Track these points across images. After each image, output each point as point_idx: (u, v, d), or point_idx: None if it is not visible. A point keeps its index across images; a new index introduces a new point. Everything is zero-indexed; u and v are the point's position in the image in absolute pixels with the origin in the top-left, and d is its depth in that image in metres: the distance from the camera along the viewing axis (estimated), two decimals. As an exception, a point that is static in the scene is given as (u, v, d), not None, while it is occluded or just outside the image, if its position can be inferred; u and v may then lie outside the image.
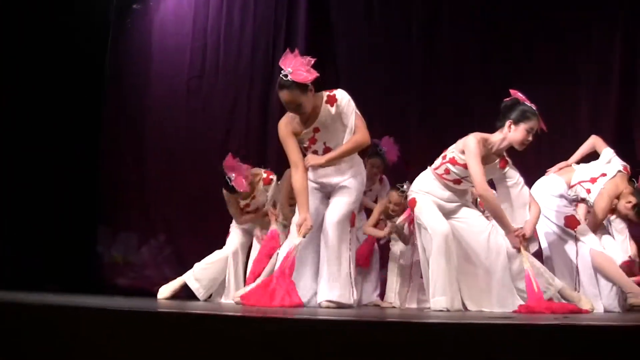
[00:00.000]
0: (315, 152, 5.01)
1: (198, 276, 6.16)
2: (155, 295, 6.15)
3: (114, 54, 8.21)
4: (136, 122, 8.19)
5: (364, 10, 8.08)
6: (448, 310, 4.63)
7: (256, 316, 3.22)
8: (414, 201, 4.99)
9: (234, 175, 6.04)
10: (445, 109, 7.50)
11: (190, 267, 6.26)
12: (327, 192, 5.10)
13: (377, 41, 8.00)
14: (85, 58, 7.73)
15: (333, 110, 4.89)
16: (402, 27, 8.05)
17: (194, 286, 6.14)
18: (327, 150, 4.98)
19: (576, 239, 5.24)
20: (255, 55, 8.18)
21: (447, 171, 4.94)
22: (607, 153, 5.57)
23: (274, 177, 6.24)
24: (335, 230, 4.91)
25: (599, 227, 5.47)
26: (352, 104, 4.91)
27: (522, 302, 4.79)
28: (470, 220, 4.98)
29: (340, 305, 4.83)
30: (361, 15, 8.10)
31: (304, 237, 4.78)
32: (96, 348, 3.03)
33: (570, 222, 5.28)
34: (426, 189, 4.98)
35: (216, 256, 6.24)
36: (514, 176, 4.99)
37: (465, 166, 4.85)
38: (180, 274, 6.27)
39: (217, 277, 6.20)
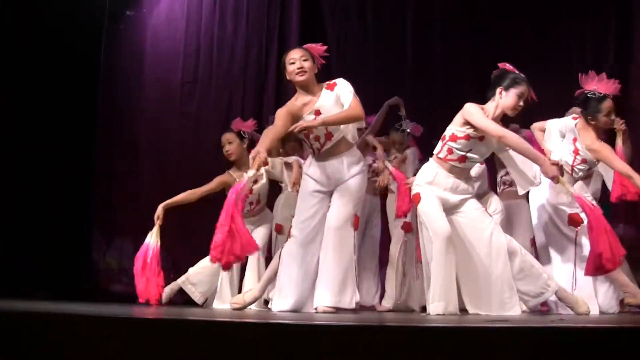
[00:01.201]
0: (317, 137, 5.01)
1: (193, 280, 6.14)
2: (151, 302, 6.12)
3: (108, 59, 8.20)
4: (130, 126, 8.18)
5: (357, 15, 8.11)
6: (444, 315, 4.64)
7: (253, 322, 3.22)
8: (418, 196, 4.92)
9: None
10: (438, 109, 7.49)
11: (185, 272, 6.23)
12: (328, 192, 5.08)
13: (370, 45, 8.03)
14: (79, 63, 7.71)
15: (333, 94, 4.98)
16: (395, 31, 8.09)
17: (190, 290, 6.12)
18: (329, 135, 4.99)
19: (576, 238, 5.22)
20: (249, 60, 8.19)
21: (450, 150, 4.90)
22: (553, 125, 5.54)
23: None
24: (335, 235, 4.90)
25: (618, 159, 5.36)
26: (351, 87, 4.98)
27: (522, 306, 4.80)
28: (474, 215, 4.95)
29: (338, 310, 4.82)
30: (354, 20, 8.14)
31: (257, 170, 4.59)
32: (90, 356, 3.02)
33: (574, 221, 5.26)
34: (429, 179, 4.92)
35: (210, 261, 6.18)
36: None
37: (467, 138, 4.83)
38: (175, 280, 6.24)
39: (213, 281, 6.17)
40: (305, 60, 5.01)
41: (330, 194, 5.06)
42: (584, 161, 5.35)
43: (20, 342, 3.16)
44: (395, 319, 4.53)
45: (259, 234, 6.23)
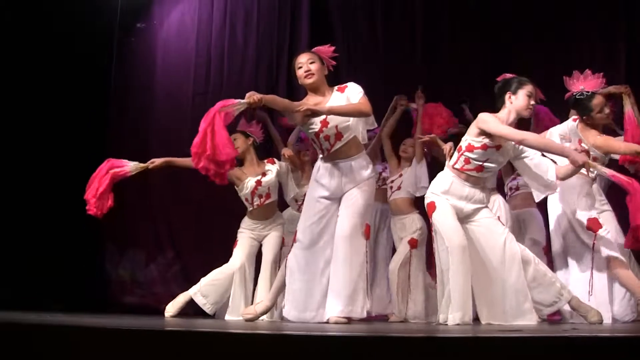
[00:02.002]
0: (327, 137, 5.04)
1: (205, 292, 6.13)
2: (163, 313, 6.13)
3: (119, 71, 8.24)
4: (141, 138, 8.20)
5: (367, 27, 8.14)
6: (458, 324, 4.63)
7: (265, 333, 3.22)
8: (432, 205, 4.94)
9: None
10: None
11: (197, 282, 6.23)
12: (336, 199, 5.08)
13: (379, 58, 8.05)
14: (90, 76, 7.76)
15: (344, 96, 5.04)
16: (404, 40, 8.11)
17: (201, 302, 6.11)
18: (339, 134, 5.03)
19: (594, 244, 5.20)
20: (259, 71, 8.21)
21: (467, 161, 4.92)
22: (555, 132, 5.55)
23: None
24: (345, 244, 4.89)
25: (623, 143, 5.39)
26: (361, 89, 5.04)
27: (536, 315, 4.78)
28: (488, 224, 4.97)
29: (349, 321, 4.81)
30: (364, 31, 8.16)
31: (251, 102, 4.74)
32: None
33: (593, 225, 5.24)
34: (444, 188, 4.95)
35: (223, 272, 6.18)
36: (528, 149, 5.00)
37: (484, 147, 4.85)
38: (187, 290, 6.24)
39: (224, 293, 6.16)
40: (312, 62, 5.09)
41: (338, 201, 5.07)
42: (595, 159, 5.33)
43: (32, 354, 3.17)
44: (407, 329, 4.52)
45: (271, 242, 6.25)
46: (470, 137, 4.91)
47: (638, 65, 7.46)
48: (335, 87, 5.12)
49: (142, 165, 6.08)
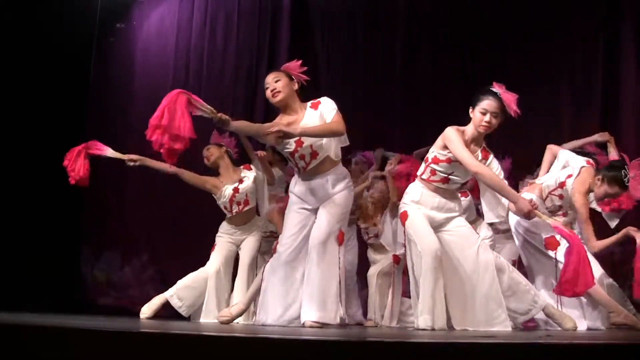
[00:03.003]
0: (302, 156, 5.01)
1: (181, 295, 6.12)
2: (138, 315, 6.10)
3: (98, 71, 8.21)
4: (119, 140, 8.15)
5: (347, 31, 8.16)
6: (433, 329, 4.64)
7: (239, 336, 3.21)
8: (405, 214, 4.97)
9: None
10: (427, 130, 7.52)
11: (173, 284, 6.20)
12: (314, 209, 5.08)
13: (360, 63, 8.07)
14: (69, 75, 7.72)
15: (317, 112, 4.99)
16: (385, 50, 8.14)
17: (177, 304, 6.10)
18: (314, 153, 5.00)
19: (556, 261, 5.22)
20: (238, 75, 8.21)
21: (433, 172, 4.95)
22: (563, 155, 5.62)
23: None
24: (319, 250, 4.89)
25: (588, 223, 5.37)
26: (335, 105, 4.99)
27: (510, 324, 4.80)
28: (460, 233, 4.97)
29: (323, 325, 4.81)
30: (345, 36, 8.18)
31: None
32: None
33: (550, 244, 5.28)
34: (416, 198, 4.98)
35: (199, 275, 6.18)
36: (496, 166, 5.01)
37: (448, 161, 4.87)
38: (162, 292, 6.21)
39: (200, 297, 6.15)
40: (277, 80, 5.05)
41: (315, 211, 5.08)
42: (561, 197, 5.43)
43: (7, 355, 3.15)
44: (381, 334, 4.53)
45: (249, 245, 6.26)
46: (437, 150, 4.95)
47: (617, 67, 7.55)
48: (309, 103, 5.08)
49: (120, 155, 6.08)
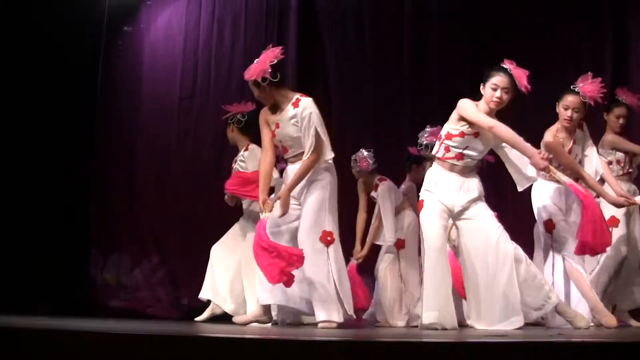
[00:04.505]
0: (275, 147, 5.17)
1: (226, 296, 6.12)
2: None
3: (106, 74, 8.20)
4: (128, 143, 8.18)
5: (355, 31, 8.14)
6: (439, 329, 4.63)
7: (250, 338, 3.21)
8: (421, 204, 4.97)
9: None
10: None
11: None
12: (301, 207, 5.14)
13: (367, 62, 8.06)
14: (76, 79, 7.72)
15: (295, 111, 5.04)
16: (392, 49, 8.11)
17: (230, 308, 6.08)
18: (285, 149, 5.16)
19: (552, 245, 5.31)
20: (247, 76, 8.18)
21: (447, 149, 4.94)
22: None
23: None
24: (303, 243, 4.95)
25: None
26: (313, 118, 4.99)
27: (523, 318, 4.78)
28: (481, 221, 4.95)
29: (336, 325, 4.82)
30: (352, 36, 8.16)
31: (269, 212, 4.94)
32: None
33: (548, 226, 5.35)
34: (434, 181, 4.95)
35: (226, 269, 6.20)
36: None
37: (461, 135, 4.88)
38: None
39: (237, 286, 6.14)
40: (253, 90, 5.23)
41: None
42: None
43: (17, 358, 3.16)
44: (389, 334, 4.53)
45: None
46: (450, 125, 4.95)
47: (625, 66, 7.51)
48: (294, 99, 5.10)
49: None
